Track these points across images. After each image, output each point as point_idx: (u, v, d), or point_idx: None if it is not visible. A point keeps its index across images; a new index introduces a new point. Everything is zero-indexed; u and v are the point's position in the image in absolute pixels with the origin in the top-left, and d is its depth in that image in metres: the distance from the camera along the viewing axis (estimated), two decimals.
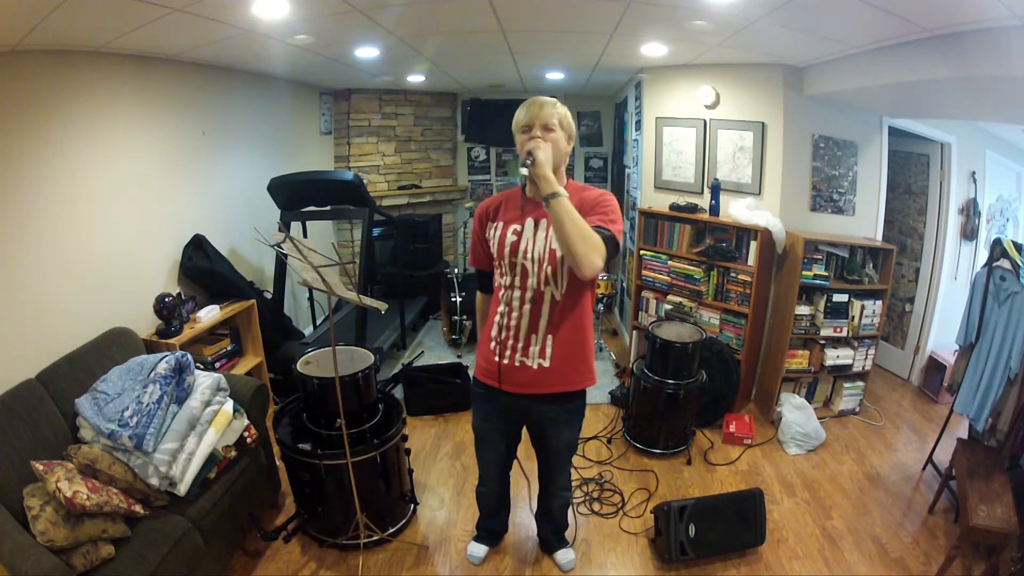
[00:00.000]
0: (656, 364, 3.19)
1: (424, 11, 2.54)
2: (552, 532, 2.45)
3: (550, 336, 1.83)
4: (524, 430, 2.15)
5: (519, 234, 1.81)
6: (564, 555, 2.44)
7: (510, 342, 1.86)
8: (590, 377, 1.93)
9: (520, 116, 1.77)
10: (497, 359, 1.89)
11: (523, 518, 2.69)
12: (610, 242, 1.66)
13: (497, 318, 1.89)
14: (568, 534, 2.53)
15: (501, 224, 1.86)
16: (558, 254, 1.74)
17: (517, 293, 1.83)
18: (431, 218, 5.54)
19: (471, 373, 3.67)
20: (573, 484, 2.90)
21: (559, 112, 1.75)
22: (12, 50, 2.20)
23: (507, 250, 1.82)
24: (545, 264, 1.78)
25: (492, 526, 2.48)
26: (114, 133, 2.78)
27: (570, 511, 2.51)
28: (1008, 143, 4.02)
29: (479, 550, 2.46)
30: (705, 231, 3.80)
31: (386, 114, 5.48)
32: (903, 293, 4.26)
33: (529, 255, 1.79)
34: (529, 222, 1.81)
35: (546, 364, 1.84)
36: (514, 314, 1.84)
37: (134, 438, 2.07)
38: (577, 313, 1.84)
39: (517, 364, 1.87)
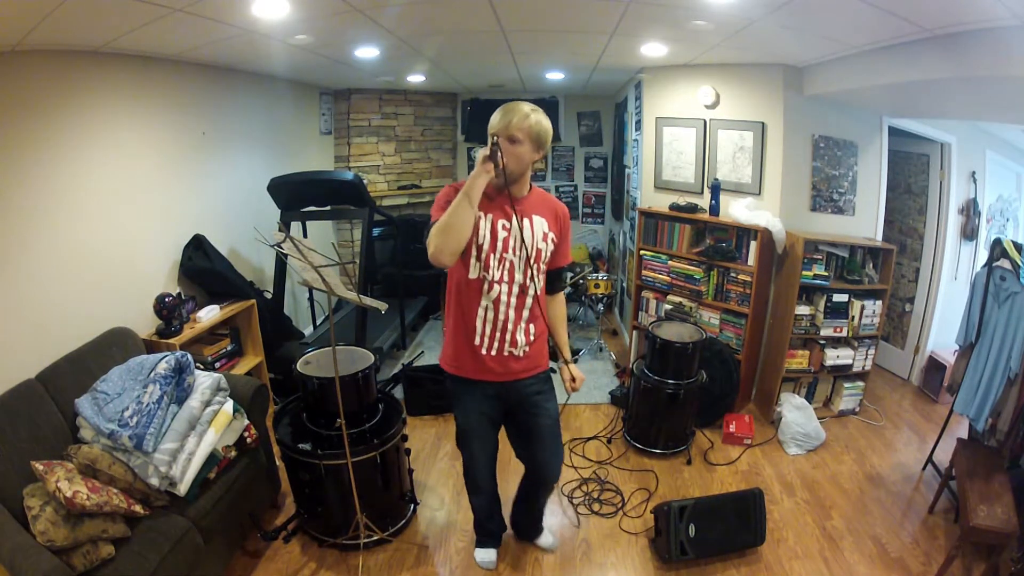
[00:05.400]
0: (656, 364, 3.19)
1: (424, 11, 2.54)
2: (534, 523, 2.50)
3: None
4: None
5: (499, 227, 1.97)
6: (546, 538, 2.52)
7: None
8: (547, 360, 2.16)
9: (493, 121, 1.83)
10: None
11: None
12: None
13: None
14: (568, 534, 2.58)
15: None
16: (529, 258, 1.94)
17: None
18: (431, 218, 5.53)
19: None
20: (573, 484, 2.93)
21: (529, 123, 1.78)
22: (12, 50, 2.20)
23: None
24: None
25: (491, 528, 2.45)
26: (114, 133, 2.78)
27: (570, 510, 2.74)
28: (1008, 143, 4.01)
29: (490, 555, 2.44)
30: (705, 231, 3.80)
31: (386, 114, 5.47)
32: (903, 293, 4.26)
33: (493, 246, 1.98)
34: (489, 217, 1.94)
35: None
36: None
37: (134, 438, 2.07)
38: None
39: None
